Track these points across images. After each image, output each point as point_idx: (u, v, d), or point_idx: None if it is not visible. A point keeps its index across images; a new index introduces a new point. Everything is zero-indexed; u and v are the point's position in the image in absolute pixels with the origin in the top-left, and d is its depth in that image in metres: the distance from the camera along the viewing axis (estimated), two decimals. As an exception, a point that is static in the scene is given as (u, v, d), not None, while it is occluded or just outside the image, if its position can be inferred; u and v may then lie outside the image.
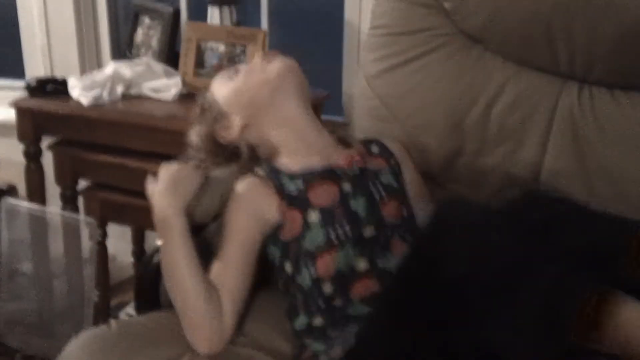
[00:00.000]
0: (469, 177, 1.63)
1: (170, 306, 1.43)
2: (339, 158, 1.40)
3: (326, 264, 1.30)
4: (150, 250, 1.49)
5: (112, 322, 1.36)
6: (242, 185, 1.39)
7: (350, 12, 2.23)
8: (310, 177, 1.37)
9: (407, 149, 1.55)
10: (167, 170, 1.38)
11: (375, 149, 1.50)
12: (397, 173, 1.46)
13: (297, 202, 1.34)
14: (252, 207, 1.37)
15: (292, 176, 1.37)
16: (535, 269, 1.02)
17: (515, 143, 1.58)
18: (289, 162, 1.40)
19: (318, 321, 1.31)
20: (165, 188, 1.35)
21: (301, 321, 1.33)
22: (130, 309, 2.46)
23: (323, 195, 1.35)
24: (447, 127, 1.62)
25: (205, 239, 1.38)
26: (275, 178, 1.37)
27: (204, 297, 1.29)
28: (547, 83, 1.58)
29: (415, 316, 1.10)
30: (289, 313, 1.36)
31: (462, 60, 1.63)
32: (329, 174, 1.37)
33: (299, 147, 1.41)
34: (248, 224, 1.36)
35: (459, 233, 1.11)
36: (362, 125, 1.73)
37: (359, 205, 1.35)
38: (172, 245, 1.31)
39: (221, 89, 1.49)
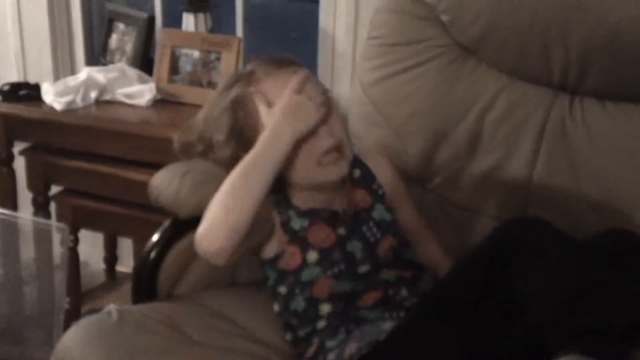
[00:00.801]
0: (459, 183, 1.65)
1: (167, 298, 1.48)
2: (340, 201, 1.41)
3: (322, 289, 1.32)
4: (149, 242, 1.51)
5: (112, 310, 1.36)
6: None
7: (324, 20, 2.24)
8: (314, 218, 1.37)
9: (385, 155, 1.54)
10: (294, 97, 1.31)
11: (357, 172, 1.48)
12: (383, 199, 1.46)
13: (298, 239, 1.36)
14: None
15: (300, 214, 1.37)
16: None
17: (507, 150, 1.61)
18: (299, 199, 1.39)
19: (322, 324, 1.32)
20: (289, 108, 1.29)
21: (303, 331, 1.34)
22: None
23: (321, 236, 1.36)
24: (439, 134, 1.65)
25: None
26: (284, 211, 1.37)
27: (254, 212, 1.24)
28: (540, 94, 1.61)
29: (462, 319, 1.15)
30: (287, 328, 1.38)
31: (457, 71, 1.66)
32: (330, 216, 1.38)
33: (312, 196, 1.40)
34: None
35: (535, 253, 1.14)
36: (356, 130, 1.75)
37: (355, 247, 1.37)
38: (270, 155, 1.26)
39: None
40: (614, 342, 1.06)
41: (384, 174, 1.50)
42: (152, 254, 1.49)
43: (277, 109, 1.29)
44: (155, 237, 1.50)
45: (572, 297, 1.08)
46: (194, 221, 1.46)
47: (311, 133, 1.30)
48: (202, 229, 1.23)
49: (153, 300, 1.48)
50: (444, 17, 1.66)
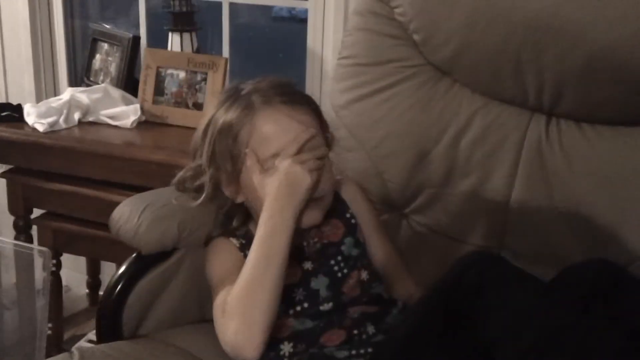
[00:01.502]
0: (435, 208, 1.62)
1: (131, 337, 1.43)
2: (307, 235, 1.36)
3: (282, 329, 1.27)
4: (112, 278, 1.45)
5: (75, 351, 1.32)
6: (219, 244, 1.37)
7: (312, 40, 2.22)
8: None
9: (358, 184, 1.51)
10: (290, 167, 1.26)
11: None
12: (354, 231, 1.41)
13: None
14: (226, 258, 1.34)
15: None
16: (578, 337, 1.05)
17: (483, 175, 1.57)
18: None
19: None
20: (286, 185, 1.25)
21: None
22: (84, 343, 2.39)
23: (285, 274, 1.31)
24: (415, 157, 1.62)
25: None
26: (247, 249, 1.31)
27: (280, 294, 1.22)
28: (516, 115, 1.57)
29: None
30: None
31: (431, 92, 1.63)
32: (295, 251, 1.31)
33: None
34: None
35: (500, 291, 1.12)
36: (329, 155, 1.71)
37: (320, 284, 1.32)
38: (280, 240, 1.23)
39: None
40: None
41: (356, 204, 1.46)
42: (115, 292, 1.42)
43: (275, 185, 1.24)
44: (118, 274, 1.44)
45: (540, 342, 1.06)
46: (158, 257, 1.43)
47: None
48: (236, 334, 1.19)
49: (117, 339, 1.41)
50: (416, 37, 1.63)
